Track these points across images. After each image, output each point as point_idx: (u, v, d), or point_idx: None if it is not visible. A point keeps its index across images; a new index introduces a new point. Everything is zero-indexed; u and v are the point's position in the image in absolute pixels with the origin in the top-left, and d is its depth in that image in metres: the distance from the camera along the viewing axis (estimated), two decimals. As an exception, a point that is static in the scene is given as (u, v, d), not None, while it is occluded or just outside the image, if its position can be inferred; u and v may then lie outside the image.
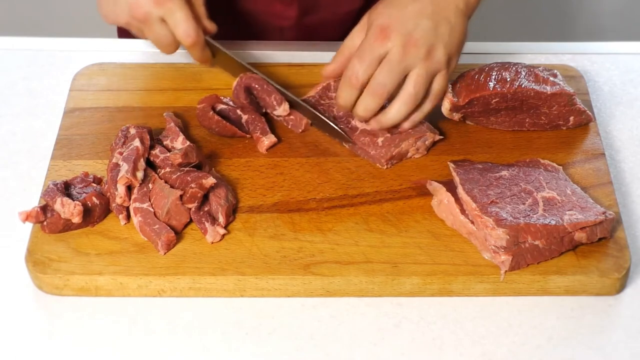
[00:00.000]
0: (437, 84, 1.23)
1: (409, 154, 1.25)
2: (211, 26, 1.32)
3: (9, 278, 1.14)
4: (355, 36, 1.26)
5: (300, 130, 1.28)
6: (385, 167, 1.24)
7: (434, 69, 1.21)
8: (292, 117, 1.28)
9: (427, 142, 1.25)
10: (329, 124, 1.26)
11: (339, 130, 1.25)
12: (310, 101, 1.30)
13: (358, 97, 1.23)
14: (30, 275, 1.13)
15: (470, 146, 1.28)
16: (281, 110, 1.28)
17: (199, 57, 1.31)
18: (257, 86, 1.29)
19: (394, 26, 1.20)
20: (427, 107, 1.24)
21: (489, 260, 1.13)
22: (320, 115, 1.27)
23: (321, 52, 1.41)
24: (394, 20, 1.20)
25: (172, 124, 1.25)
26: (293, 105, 1.29)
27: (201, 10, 1.30)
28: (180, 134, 1.24)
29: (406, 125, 1.25)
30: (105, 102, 1.33)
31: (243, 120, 1.27)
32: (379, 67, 1.20)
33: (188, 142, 1.22)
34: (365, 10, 1.53)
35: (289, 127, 1.29)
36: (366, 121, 1.25)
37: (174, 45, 1.29)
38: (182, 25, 1.25)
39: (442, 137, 1.26)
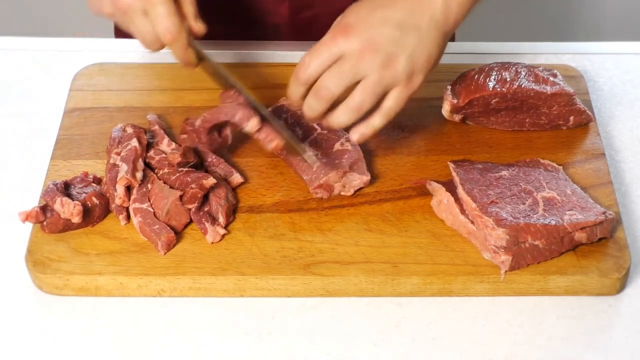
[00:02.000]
0: (390, 99, 1.14)
1: (336, 190, 1.20)
2: (199, 27, 1.22)
3: (9, 278, 1.14)
4: None
5: (270, 149, 1.20)
6: (316, 195, 1.20)
7: (390, 81, 1.13)
8: (261, 135, 1.19)
9: (354, 183, 1.20)
10: (301, 148, 1.18)
11: (305, 151, 1.17)
12: (285, 123, 1.22)
13: (307, 93, 1.17)
14: (30, 275, 1.13)
15: (470, 146, 1.28)
16: (250, 126, 1.19)
17: (180, 58, 1.21)
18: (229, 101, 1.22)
19: (356, 27, 1.13)
20: (377, 122, 1.16)
21: (489, 260, 1.13)
22: (291, 141, 1.19)
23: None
24: (359, 22, 1.14)
25: (157, 127, 1.25)
26: (266, 121, 1.20)
27: (189, 8, 1.20)
28: (165, 136, 1.24)
29: (354, 137, 1.17)
30: (106, 102, 1.33)
31: (205, 164, 1.22)
32: (329, 70, 1.14)
33: (173, 144, 1.22)
34: None
35: (282, 157, 1.24)
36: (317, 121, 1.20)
37: (158, 41, 1.19)
38: (163, 20, 1.16)
39: (369, 177, 1.20)
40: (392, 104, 1.15)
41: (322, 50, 1.14)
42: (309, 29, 1.51)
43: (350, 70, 1.12)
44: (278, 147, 1.19)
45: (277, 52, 1.42)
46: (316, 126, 1.25)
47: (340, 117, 1.15)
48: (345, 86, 1.13)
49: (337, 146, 1.23)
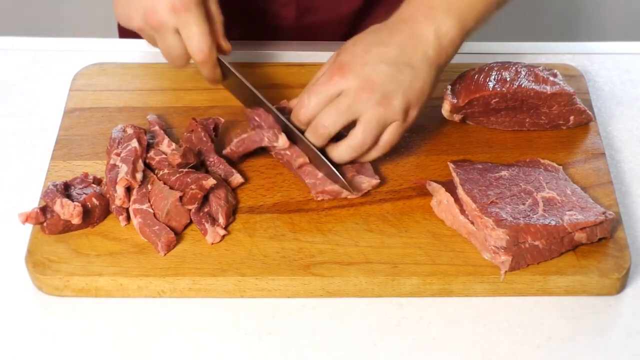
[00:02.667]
0: (388, 134, 1.17)
1: (343, 194, 1.20)
2: (227, 46, 1.26)
3: (9, 279, 1.14)
4: (322, 71, 1.21)
5: (296, 167, 1.20)
6: (317, 198, 1.20)
7: (388, 117, 1.16)
8: (287, 152, 1.21)
9: (362, 187, 1.20)
10: (330, 167, 1.19)
11: (339, 175, 1.18)
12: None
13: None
14: (30, 276, 1.13)
15: (470, 146, 1.28)
16: (280, 145, 1.20)
17: (209, 76, 1.25)
18: (257, 119, 1.23)
19: (352, 66, 1.16)
20: (373, 154, 1.19)
21: (489, 260, 1.13)
22: (321, 156, 1.19)
23: (321, 52, 1.41)
24: (355, 60, 1.16)
25: (157, 127, 1.25)
26: (293, 140, 1.21)
27: (219, 28, 1.25)
28: (166, 136, 1.24)
29: (345, 159, 1.19)
30: (105, 102, 1.33)
31: (206, 163, 1.22)
32: (327, 108, 1.16)
33: (173, 145, 1.22)
34: (365, 11, 1.53)
35: (283, 162, 1.23)
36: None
37: (185, 58, 1.23)
38: (196, 39, 1.20)
39: (378, 181, 1.21)
40: (389, 138, 1.18)
41: (320, 90, 1.17)
42: (314, 32, 1.51)
43: (348, 109, 1.15)
44: (304, 164, 1.20)
45: (281, 52, 1.42)
46: None
47: (342, 155, 1.19)
48: (343, 124, 1.17)
49: None
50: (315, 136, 1.18)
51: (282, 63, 1.39)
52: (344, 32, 1.53)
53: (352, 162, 1.21)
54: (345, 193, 1.20)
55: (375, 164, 1.23)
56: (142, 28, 1.22)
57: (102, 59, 1.40)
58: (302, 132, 1.21)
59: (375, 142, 1.18)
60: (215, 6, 1.24)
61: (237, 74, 1.26)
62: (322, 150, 1.20)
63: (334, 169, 1.19)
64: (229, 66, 1.26)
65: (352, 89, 1.15)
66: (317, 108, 1.17)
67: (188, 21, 1.19)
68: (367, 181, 1.20)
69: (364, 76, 1.15)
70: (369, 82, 1.15)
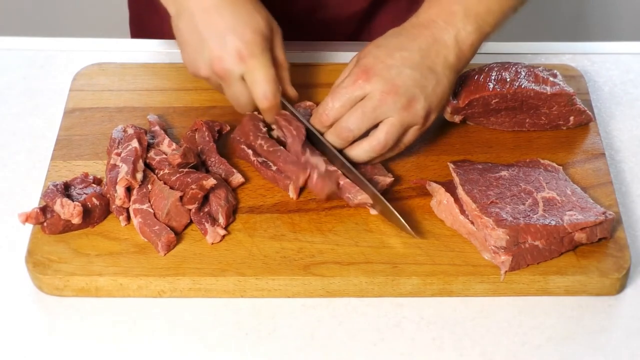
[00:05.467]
0: (407, 137, 1.19)
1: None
2: (293, 93, 1.25)
3: (9, 279, 1.14)
4: (345, 75, 1.21)
5: (354, 204, 1.17)
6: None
7: (410, 121, 1.17)
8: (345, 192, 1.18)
9: (378, 186, 1.19)
10: (356, 174, 1.18)
11: (404, 224, 1.15)
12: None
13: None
14: (31, 276, 1.13)
15: (470, 146, 1.28)
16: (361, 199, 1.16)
17: (271, 121, 1.24)
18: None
19: (377, 69, 1.16)
20: (388, 154, 1.21)
21: (489, 260, 1.13)
22: (346, 162, 1.18)
23: (336, 52, 1.41)
24: (379, 64, 1.17)
25: (157, 127, 1.25)
26: (314, 144, 1.20)
27: (286, 74, 1.24)
28: (166, 136, 1.24)
29: (363, 159, 1.20)
30: (105, 102, 1.33)
31: (207, 163, 1.22)
32: (351, 110, 1.17)
33: (174, 144, 1.22)
34: (372, 10, 1.53)
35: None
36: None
37: (251, 105, 1.22)
38: (262, 86, 1.19)
39: (392, 178, 1.20)
40: (408, 140, 1.20)
41: (344, 93, 1.17)
42: (322, 30, 1.50)
43: (373, 113, 1.16)
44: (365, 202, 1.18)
45: (297, 52, 1.41)
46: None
47: (361, 156, 1.19)
48: (367, 127, 1.17)
49: None
50: (338, 139, 1.18)
51: (299, 63, 1.38)
52: (352, 31, 1.53)
53: (364, 163, 1.21)
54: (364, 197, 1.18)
55: (384, 162, 1.23)
56: (210, 77, 1.21)
57: (102, 59, 1.40)
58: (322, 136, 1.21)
59: (394, 144, 1.19)
60: (282, 53, 1.23)
61: (300, 118, 1.23)
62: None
63: (361, 176, 1.18)
64: (292, 109, 1.24)
65: (377, 92, 1.16)
66: (342, 110, 1.18)
67: (253, 67, 1.18)
68: (381, 180, 1.20)
69: (390, 80, 1.16)
70: (394, 85, 1.15)
